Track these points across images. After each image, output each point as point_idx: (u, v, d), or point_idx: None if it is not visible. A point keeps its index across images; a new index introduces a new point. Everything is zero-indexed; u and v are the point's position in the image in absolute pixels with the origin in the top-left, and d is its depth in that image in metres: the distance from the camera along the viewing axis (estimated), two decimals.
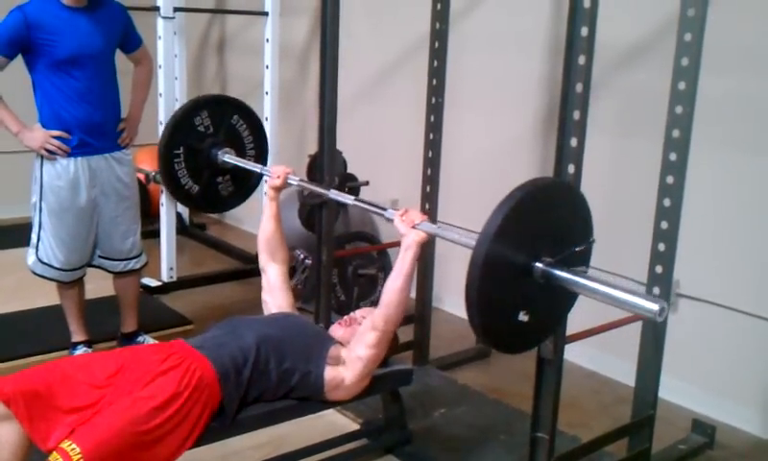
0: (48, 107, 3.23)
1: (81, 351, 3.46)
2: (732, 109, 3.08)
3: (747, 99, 3.05)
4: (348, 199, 2.63)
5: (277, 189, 2.76)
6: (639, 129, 3.37)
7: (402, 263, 2.28)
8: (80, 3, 3.16)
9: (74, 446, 1.88)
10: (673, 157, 2.58)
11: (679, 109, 2.54)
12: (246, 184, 3.12)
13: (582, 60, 2.19)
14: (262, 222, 2.78)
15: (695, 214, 2.90)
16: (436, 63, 3.33)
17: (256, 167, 2.98)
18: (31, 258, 3.38)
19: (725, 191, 3.18)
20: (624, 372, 3.18)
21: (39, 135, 3.21)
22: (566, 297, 2.03)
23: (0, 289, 4.39)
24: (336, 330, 2.56)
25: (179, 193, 3.08)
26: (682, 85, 2.52)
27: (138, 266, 3.55)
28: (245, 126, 3.11)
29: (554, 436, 2.45)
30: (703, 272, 3.24)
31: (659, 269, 2.67)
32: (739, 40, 3.03)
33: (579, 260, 2.00)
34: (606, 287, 1.89)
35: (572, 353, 2.97)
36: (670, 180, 2.59)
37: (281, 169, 2.78)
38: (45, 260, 3.33)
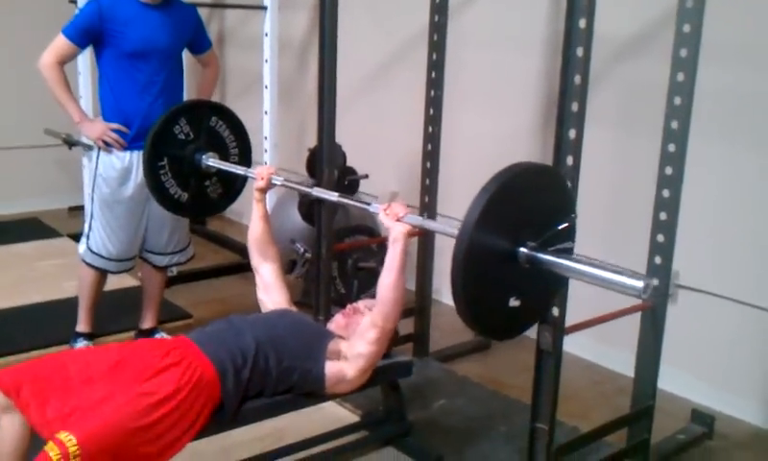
0: (111, 98, 3.29)
1: (81, 343, 3.48)
2: (731, 100, 3.08)
3: (745, 91, 3.06)
4: (332, 196, 2.63)
5: (263, 191, 2.75)
6: (638, 120, 3.37)
7: (392, 258, 2.26)
8: (153, 0, 3.22)
9: (71, 437, 1.89)
10: (672, 148, 2.58)
11: (677, 101, 2.55)
12: (234, 184, 3.14)
13: (580, 51, 2.20)
14: (251, 223, 2.77)
15: (694, 205, 2.90)
16: (435, 56, 3.33)
17: (240, 170, 2.97)
18: (82, 247, 3.47)
19: (724, 182, 3.18)
20: (623, 362, 3.19)
21: (99, 127, 3.28)
22: (556, 278, 2.04)
23: None
24: (339, 320, 2.56)
25: (168, 203, 3.10)
26: (680, 77, 2.53)
27: (184, 259, 3.66)
28: (224, 126, 3.13)
29: (553, 427, 2.46)
30: (702, 263, 3.25)
31: (658, 260, 2.68)
32: (738, 32, 3.03)
33: (564, 238, 2.01)
34: (589, 268, 1.90)
35: (571, 345, 2.97)
36: (669, 171, 2.60)
37: (265, 169, 2.77)
38: (95, 250, 3.40)
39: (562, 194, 2.07)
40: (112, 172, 3.30)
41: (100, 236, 3.38)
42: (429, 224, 2.24)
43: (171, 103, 3.37)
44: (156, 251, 3.51)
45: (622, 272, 1.85)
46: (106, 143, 3.26)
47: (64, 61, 3.21)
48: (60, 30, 3.19)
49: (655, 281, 1.85)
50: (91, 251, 3.40)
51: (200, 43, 3.54)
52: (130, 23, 3.18)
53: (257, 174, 2.78)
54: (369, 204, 2.39)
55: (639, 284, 1.81)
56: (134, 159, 3.29)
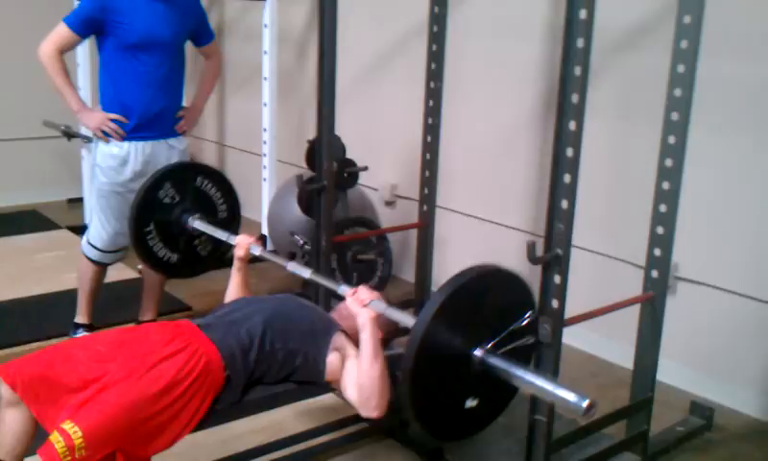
0: (112, 89, 3.29)
1: (81, 334, 3.48)
2: (732, 92, 3.08)
3: (747, 83, 3.05)
4: (305, 273, 2.58)
5: (242, 260, 2.71)
6: (639, 112, 3.37)
7: (364, 346, 2.21)
8: None
9: (75, 428, 1.89)
10: (672, 139, 2.58)
11: (678, 92, 2.54)
12: (223, 241, 3.07)
13: (580, 42, 2.18)
14: (229, 290, 2.69)
15: (694, 197, 2.90)
16: (434, 47, 3.32)
17: (222, 236, 2.90)
18: (84, 239, 3.48)
19: (724, 174, 3.18)
20: (622, 355, 3.19)
21: (98, 116, 3.28)
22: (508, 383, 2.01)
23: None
24: (342, 310, 2.54)
25: (158, 266, 3.04)
26: (681, 68, 2.52)
27: None
28: (210, 185, 3.08)
29: (552, 419, 2.46)
30: (701, 255, 3.25)
31: (657, 252, 2.68)
32: (739, 23, 3.02)
33: (525, 333, 2.01)
34: (535, 379, 1.89)
35: (570, 336, 2.97)
36: (669, 163, 2.60)
37: (245, 239, 2.74)
38: (92, 242, 3.42)
39: (520, 294, 2.06)
40: (110, 161, 3.29)
41: (95, 227, 3.38)
42: (391, 313, 2.22)
43: (172, 94, 3.38)
44: None
45: (568, 388, 1.84)
46: (104, 133, 3.26)
47: (64, 51, 3.21)
48: (62, 19, 3.18)
49: (595, 403, 1.83)
50: (89, 243, 3.40)
51: (202, 36, 3.54)
52: (132, 14, 3.17)
53: (237, 243, 2.74)
54: (338, 286, 2.35)
55: (583, 404, 1.79)
56: (132, 149, 3.29)
